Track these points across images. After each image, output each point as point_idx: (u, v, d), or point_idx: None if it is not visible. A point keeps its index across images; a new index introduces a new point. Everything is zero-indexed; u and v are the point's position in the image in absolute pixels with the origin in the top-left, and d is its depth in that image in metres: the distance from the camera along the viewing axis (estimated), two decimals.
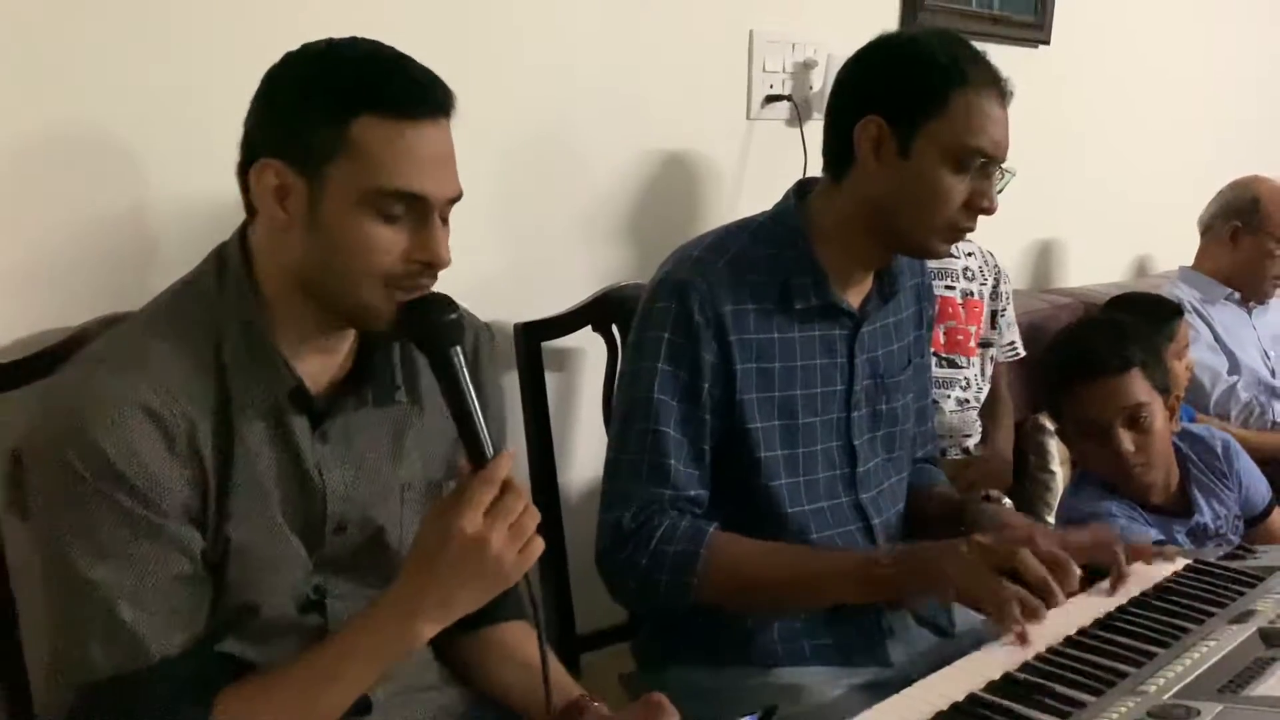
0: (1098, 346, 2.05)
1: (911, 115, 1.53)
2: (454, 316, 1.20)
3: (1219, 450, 2.14)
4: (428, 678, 1.37)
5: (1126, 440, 1.98)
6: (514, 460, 1.16)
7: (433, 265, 1.17)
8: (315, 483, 1.22)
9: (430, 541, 1.14)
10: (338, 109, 1.13)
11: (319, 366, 1.24)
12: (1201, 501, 2.08)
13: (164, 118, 1.56)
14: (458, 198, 1.21)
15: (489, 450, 1.17)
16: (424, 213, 1.16)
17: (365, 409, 1.26)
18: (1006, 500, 1.71)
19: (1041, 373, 2.21)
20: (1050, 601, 1.37)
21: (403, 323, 1.18)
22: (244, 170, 1.18)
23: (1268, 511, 2.17)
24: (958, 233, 1.59)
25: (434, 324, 1.18)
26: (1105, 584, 1.52)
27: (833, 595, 1.56)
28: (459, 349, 1.18)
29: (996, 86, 1.55)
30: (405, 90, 1.15)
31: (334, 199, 1.14)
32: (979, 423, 2.41)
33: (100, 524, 1.10)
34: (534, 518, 1.16)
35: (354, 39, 1.19)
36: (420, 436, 1.31)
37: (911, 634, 1.68)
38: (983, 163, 1.54)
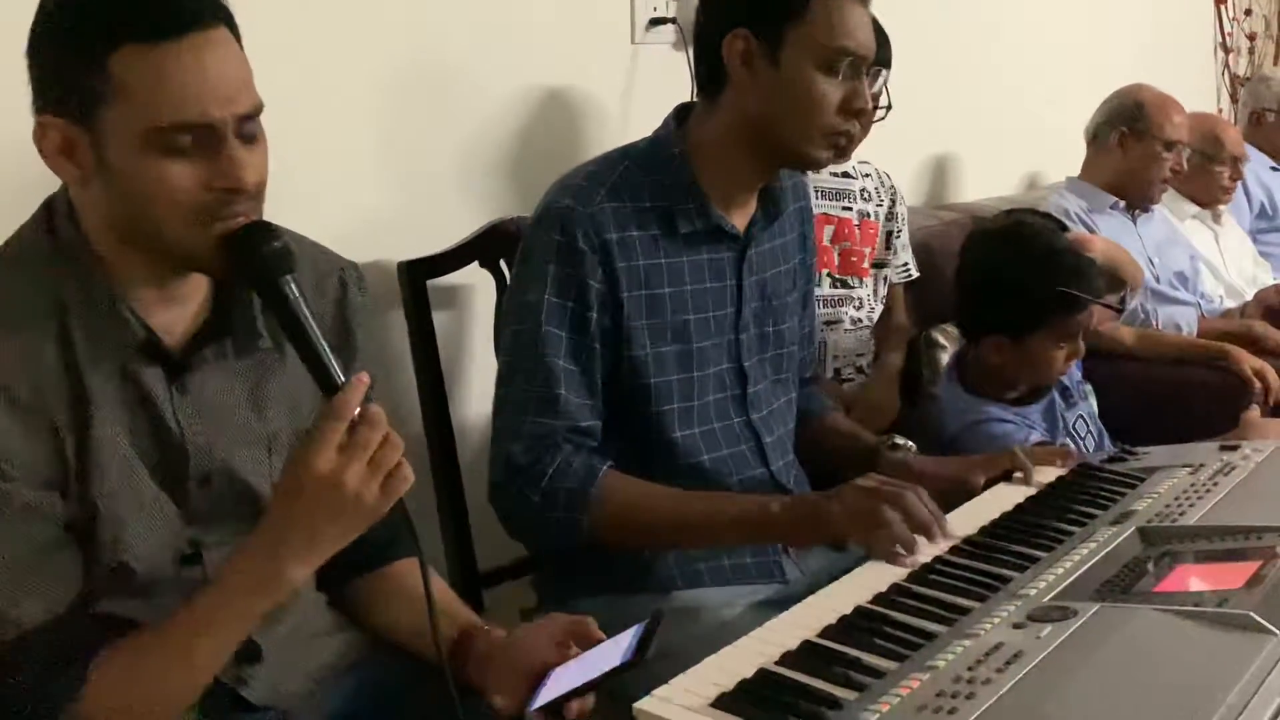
0: (1090, 270, 2.09)
1: (775, 24, 1.55)
2: (278, 244, 1.12)
3: None
4: (318, 624, 1.35)
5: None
6: (366, 387, 1.10)
7: (238, 190, 1.10)
8: (175, 437, 1.18)
9: (287, 483, 1.10)
10: (92, 48, 1.05)
11: (171, 317, 1.18)
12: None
13: None
14: (254, 112, 1.11)
15: (339, 381, 1.11)
16: (216, 137, 1.08)
17: (226, 360, 1.22)
18: (912, 445, 1.76)
19: (1023, 285, 2.07)
20: (930, 538, 1.40)
21: (224, 259, 1.12)
22: None
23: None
24: (837, 137, 1.60)
25: (256, 256, 1.11)
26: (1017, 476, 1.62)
27: (724, 540, 1.58)
28: (290, 279, 1.12)
29: None
30: (156, 9, 1.06)
31: (116, 145, 1.07)
32: (873, 341, 2.44)
33: None
34: (395, 448, 1.10)
35: None
36: (285, 384, 1.26)
37: (808, 551, 1.69)
38: (852, 63, 1.55)
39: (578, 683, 1.17)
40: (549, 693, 1.19)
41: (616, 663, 1.17)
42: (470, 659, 1.27)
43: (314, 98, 1.80)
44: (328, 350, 1.12)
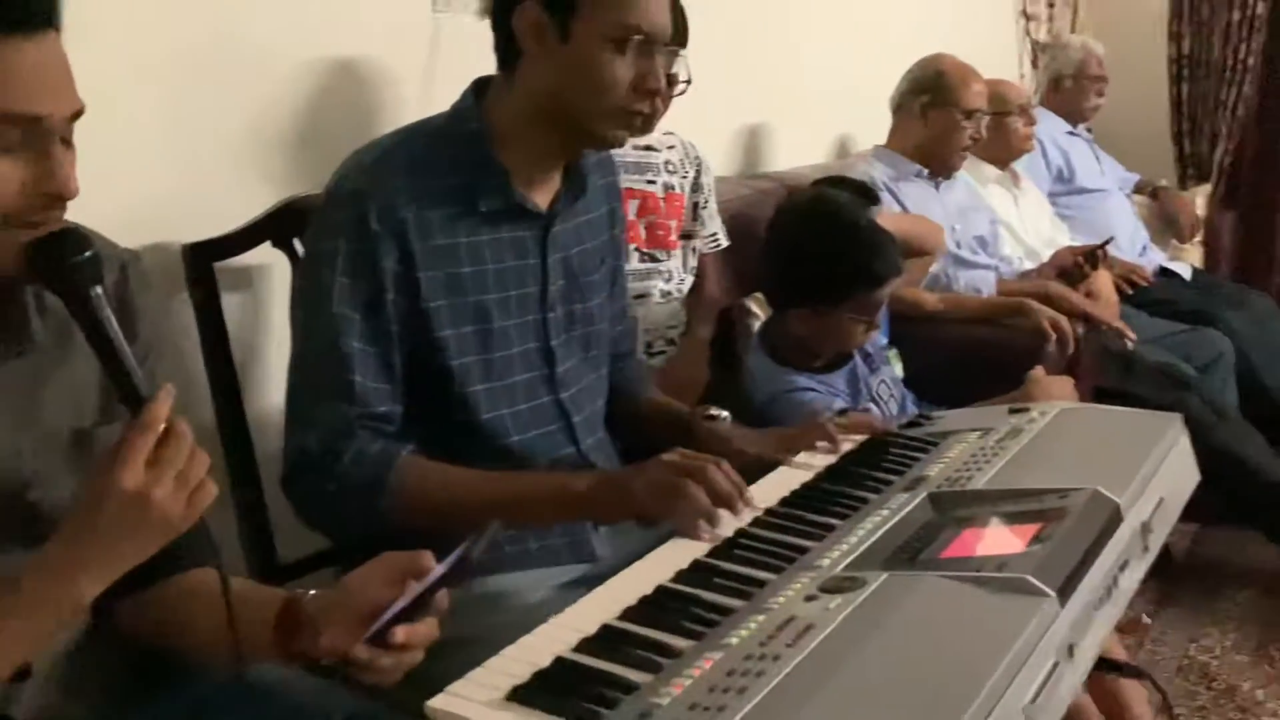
0: (889, 248, 2.12)
1: None
2: (89, 254, 1.07)
3: None
4: (98, 640, 1.28)
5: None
6: (172, 398, 1.06)
7: (60, 197, 1.05)
8: None
9: (90, 498, 1.04)
10: None
11: None
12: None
13: None
14: (79, 113, 1.07)
15: (145, 394, 1.07)
16: (42, 137, 1.03)
17: None
18: (726, 414, 1.78)
19: (823, 263, 2.10)
20: (732, 510, 1.40)
21: (30, 265, 1.06)
22: None
23: None
24: (630, 117, 1.59)
25: (67, 266, 1.06)
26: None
27: (529, 519, 1.55)
28: (98, 289, 1.07)
29: None
30: (6, 5, 1.01)
31: None
32: (683, 313, 2.45)
33: None
34: (201, 463, 1.07)
35: None
36: (65, 383, 1.19)
37: (617, 528, 1.69)
38: (643, 42, 1.53)
39: (399, 607, 1.13)
40: (377, 624, 1.14)
41: (440, 575, 1.12)
42: (300, 630, 1.20)
43: (89, 70, 1.69)
44: (133, 361, 1.08)
